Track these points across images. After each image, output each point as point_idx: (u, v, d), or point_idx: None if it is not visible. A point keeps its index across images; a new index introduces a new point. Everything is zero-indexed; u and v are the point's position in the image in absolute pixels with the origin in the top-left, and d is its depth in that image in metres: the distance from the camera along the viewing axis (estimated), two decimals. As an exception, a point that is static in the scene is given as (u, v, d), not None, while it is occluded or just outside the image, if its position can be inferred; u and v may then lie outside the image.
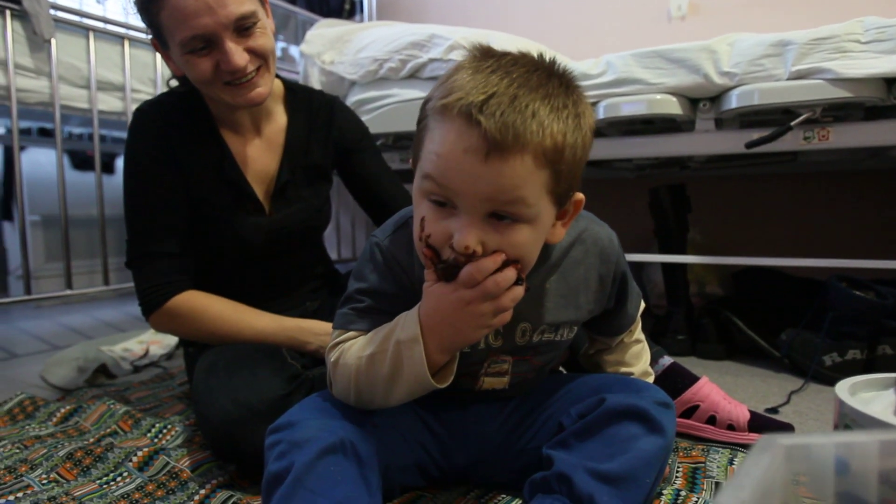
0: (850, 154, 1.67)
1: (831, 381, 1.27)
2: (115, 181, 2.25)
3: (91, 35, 1.53)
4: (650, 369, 0.87)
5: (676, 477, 0.82)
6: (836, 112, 1.25)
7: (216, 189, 1.00)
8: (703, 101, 1.34)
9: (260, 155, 1.05)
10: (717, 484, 0.79)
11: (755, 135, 1.29)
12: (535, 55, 0.59)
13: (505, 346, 0.71)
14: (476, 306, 0.58)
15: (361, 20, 2.49)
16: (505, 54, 0.58)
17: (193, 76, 0.92)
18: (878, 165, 1.80)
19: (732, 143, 1.34)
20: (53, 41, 1.44)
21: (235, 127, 1.03)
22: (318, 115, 1.11)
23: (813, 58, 1.18)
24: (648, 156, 1.45)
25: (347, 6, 2.45)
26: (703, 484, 0.80)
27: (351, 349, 0.67)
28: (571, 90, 0.58)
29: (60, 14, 1.48)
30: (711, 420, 0.96)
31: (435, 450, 0.76)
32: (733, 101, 1.26)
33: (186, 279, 0.98)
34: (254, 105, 0.96)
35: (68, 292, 1.50)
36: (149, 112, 0.98)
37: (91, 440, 0.93)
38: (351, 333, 0.69)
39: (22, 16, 1.39)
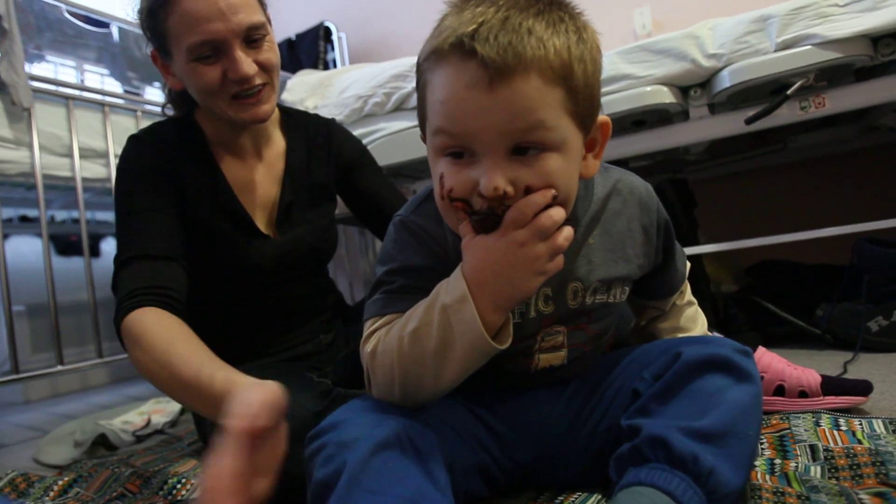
0: (840, 134, 1.69)
1: (882, 348, 1.21)
2: (102, 264, 2.18)
3: (70, 104, 1.50)
4: (709, 333, 0.80)
5: (763, 449, 0.74)
6: (828, 78, 1.25)
7: (214, 214, 0.94)
8: (694, 88, 1.34)
9: (262, 180, 1.00)
10: (811, 447, 0.70)
11: (751, 113, 1.29)
12: None
13: (557, 311, 0.65)
14: (531, 248, 0.52)
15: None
16: None
17: (199, 86, 0.87)
18: (866, 144, 1.81)
19: (729, 125, 1.33)
20: (33, 111, 1.41)
21: (237, 151, 0.99)
22: (317, 136, 1.08)
23: (796, 27, 1.20)
24: (646, 151, 1.43)
25: (321, 67, 2.49)
26: (795, 449, 0.71)
27: (390, 333, 0.59)
28: (564, 6, 0.55)
29: (38, 84, 1.46)
30: (780, 390, 0.88)
31: (495, 449, 0.67)
32: (726, 81, 1.26)
33: (170, 293, 0.80)
34: (258, 121, 0.92)
35: (59, 368, 1.39)
36: (143, 137, 0.94)
37: (97, 507, 0.81)
38: (387, 318, 0.62)
39: (-1, 88, 1.36)
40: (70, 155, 1.50)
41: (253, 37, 0.87)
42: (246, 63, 0.85)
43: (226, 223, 0.95)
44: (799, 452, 0.70)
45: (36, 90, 1.43)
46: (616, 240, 0.67)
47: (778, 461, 0.68)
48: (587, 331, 0.68)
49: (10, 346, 1.36)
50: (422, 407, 0.61)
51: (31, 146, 1.41)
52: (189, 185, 0.92)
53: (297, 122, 1.07)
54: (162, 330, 0.74)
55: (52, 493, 0.90)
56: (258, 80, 0.88)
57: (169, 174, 0.91)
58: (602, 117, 0.58)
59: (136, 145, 0.93)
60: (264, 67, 0.89)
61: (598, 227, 0.66)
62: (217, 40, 0.83)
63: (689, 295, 0.80)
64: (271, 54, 0.90)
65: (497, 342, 0.55)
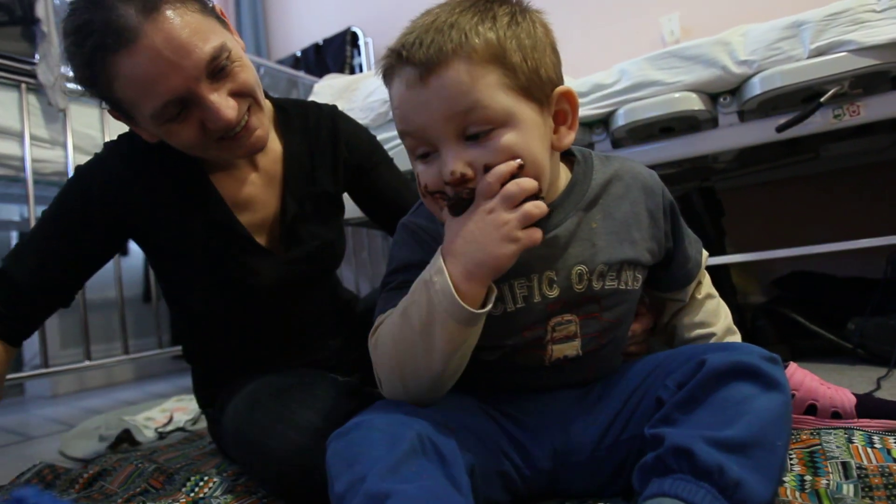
0: (874, 143, 1.64)
1: (918, 364, 1.17)
2: (131, 263, 2.23)
3: (103, 104, 1.54)
4: (735, 328, 0.79)
5: (792, 464, 0.72)
6: (863, 85, 1.22)
7: (207, 235, 0.85)
8: (724, 95, 1.32)
9: (258, 193, 0.90)
10: (843, 464, 0.68)
11: (782, 121, 1.26)
12: None
13: (562, 295, 0.64)
14: (498, 214, 0.55)
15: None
16: (442, 3, 0.59)
17: (178, 144, 0.76)
18: (902, 154, 1.76)
19: (759, 133, 1.31)
20: (68, 111, 1.45)
21: (226, 166, 0.87)
22: (319, 133, 0.95)
23: (830, 33, 1.17)
24: (674, 158, 1.42)
25: (347, 71, 2.51)
26: (826, 466, 0.69)
27: (386, 320, 0.62)
28: (502, 3, 0.58)
29: (73, 86, 1.50)
30: (811, 410, 0.85)
31: (516, 455, 0.67)
32: (756, 88, 1.24)
33: (13, 324, 0.80)
34: (256, 152, 0.82)
35: (87, 363, 1.43)
36: (114, 151, 0.83)
37: (119, 501, 0.83)
38: (388, 312, 0.63)
39: (37, 89, 1.41)
40: (102, 155, 1.54)
41: (218, 66, 0.72)
42: (224, 107, 0.72)
43: (220, 241, 0.86)
44: (830, 469, 0.68)
45: (71, 91, 1.47)
46: (620, 223, 0.67)
47: (808, 478, 0.66)
48: (600, 319, 0.67)
49: (40, 340, 1.39)
50: (437, 407, 0.61)
51: (65, 146, 1.45)
52: (176, 210, 0.84)
53: (295, 118, 0.94)
54: None
55: (77, 486, 0.92)
56: (241, 112, 0.75)
57: (127, 198, 0.82)
58: (563, 87, 0.60)
59: (96, 162, 0.83)
60: (242, 94, 0.75)
61: (599, 210, 0.66)
62: (179, 96, 0.70)
63: (708, 287, 0.80)
64: (245, 74, 0.76)
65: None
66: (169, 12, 0.68)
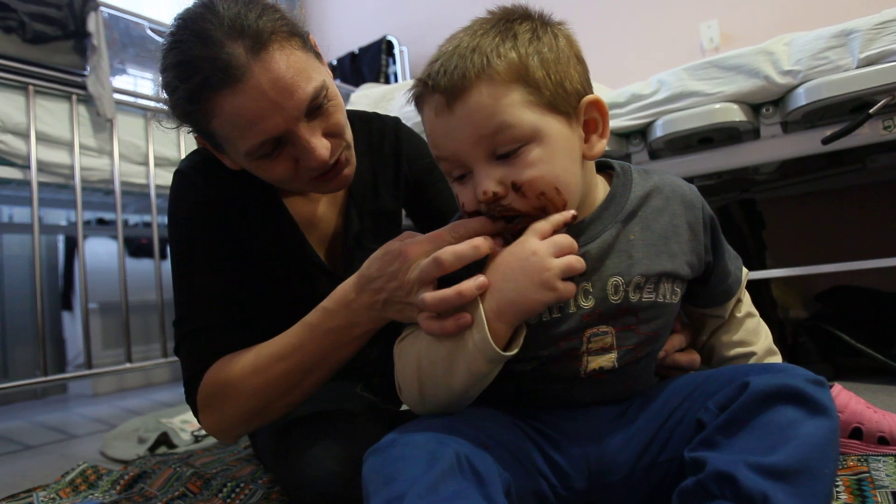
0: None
1: (974, 388, 1.12)
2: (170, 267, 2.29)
3: (148, 115, 1.59)
4: (775, 348, 0.76)
5: (839, 492, 0.69)
6: (916, 96, 1.17)
7: (277, 256, 0.84)
8: (766, 106, 1.29)
9: (325, 211, 0.89)
10: (894, 494, 0.65)
11: (828, 132, 1.22)
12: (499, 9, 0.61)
13: (598, 306, 0.63)
14: (543, 259, 0.55)
15: (396, 92, 2.58)
16: (465, 26, 0.60)
17: (269, 179, 0.75)
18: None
19: (803, 145, 1.27)
20: (115, 121, 1.50)
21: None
22: (382, 147, 0.93)
23: (881, 41, 1.13)
24: (713, 170, 1.39)
25: (382, 80, 2.54)
26: (875, 495, 0.66)
27: (413, 334, 0.63)
28: (523, 19, 0.59)
29: (119, 96, 1.55)
30: (857, 433, 0.82)
31: (551, 475, 0.66)
32: (801, 99, 1.20)
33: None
34: (343, 188, 0.81)
35: (128, 365, 1.47)
36: (191, 175, 0.81)
37: (159, 504, 0.85)
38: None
39: (86, 100, 1.46)
40: (146, 163, 1.59)
41: (316, 105, 0.70)
42: (319, 147, 0.70)
43: (290, 263, 0.85)
44: (880, 500, 0.66)
45: (118, 102, 1.53)
46: (658, 235, 0.66)
47: (856, 508, 0.64)
48: (637, 332, 0.66)
49: (84, 342, 1.44)
50: (474, 423, 0.61)
51: (111, 154, 1.51)
52: (249, 223, 0.82)
53: (358, 131, 0.90)
54: (244, 355, 0.70)
55: (118, 487, 0.95)
56: (334, 151, 0.74)
57: (222, 215, 0.79)
58: (590, 96, 0.60)
59: (185, 184, 0.80)
60: (335, 133, 0.74)
61: (638, 222, 0.66)
62: (277, 135, 0.69)
63: (748, 306, 0.78)
64: (339, 114, 0.74)
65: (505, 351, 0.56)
66: (276, 52, 0.67)
